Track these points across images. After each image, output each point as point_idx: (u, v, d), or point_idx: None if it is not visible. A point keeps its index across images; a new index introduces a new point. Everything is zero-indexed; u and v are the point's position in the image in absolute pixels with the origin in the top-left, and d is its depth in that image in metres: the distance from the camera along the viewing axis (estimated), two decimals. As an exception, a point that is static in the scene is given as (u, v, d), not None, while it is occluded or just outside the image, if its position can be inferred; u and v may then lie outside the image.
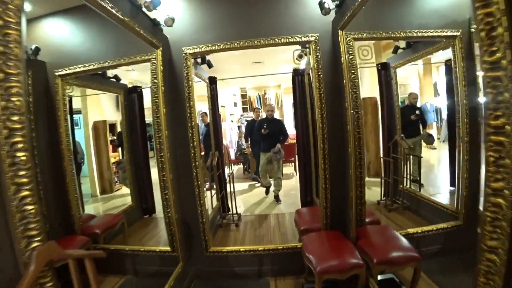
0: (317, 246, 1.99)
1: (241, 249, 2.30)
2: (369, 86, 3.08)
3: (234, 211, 3.64)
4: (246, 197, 4.63)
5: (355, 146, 1.96)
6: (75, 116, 2.91)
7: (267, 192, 4.53)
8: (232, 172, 3.77)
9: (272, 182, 4.46)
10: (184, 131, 2.20)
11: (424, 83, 2.93)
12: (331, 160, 2.17)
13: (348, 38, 1.99)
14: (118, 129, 3.15)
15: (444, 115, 2.66)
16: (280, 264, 2.33)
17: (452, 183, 2.57)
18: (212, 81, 3.72)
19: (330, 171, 2.18)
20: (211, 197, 3.48)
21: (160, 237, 2.69)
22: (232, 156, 7.38)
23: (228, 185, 3.78)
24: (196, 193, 2.26)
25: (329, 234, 2.18)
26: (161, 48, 2.09)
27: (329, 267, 1.78)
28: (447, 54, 2.36)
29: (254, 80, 8.96)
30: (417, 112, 2.84)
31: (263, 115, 5.17)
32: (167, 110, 2.07)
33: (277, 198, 4.33)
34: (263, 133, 4.25)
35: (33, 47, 2.12)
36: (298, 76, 3.56)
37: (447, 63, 2.38)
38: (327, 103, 2.15)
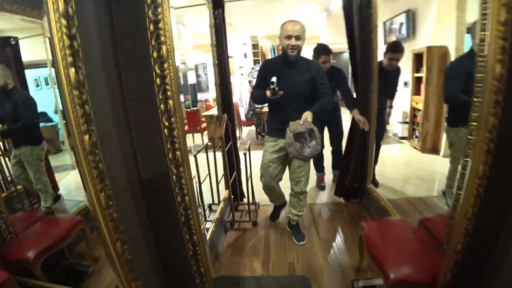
0: None
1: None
2: (434, 28, 2.47)
3: (250, 200, 2.50)
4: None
5: None
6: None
7: (273, 217, 2.43)
8: (249, 145, 2.46)
9: (287, 198, 2.27)
10: (142, 74, 0.86)
11: None
12: (503, 138, 0.88)
13: None
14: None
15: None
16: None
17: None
18: (218, 4, 2.31)
19: (492, 159, 0.90)
20: (217, 183, 2.30)
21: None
22: (243, 117, 6.16)
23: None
24: (180, 220, 1.01)
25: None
26: None
27: None
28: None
29: (267, 26, 7.54)
30: None
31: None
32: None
33: (295, 231, 2.15)
34: (270, 96, 1.75)
35: None
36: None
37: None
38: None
